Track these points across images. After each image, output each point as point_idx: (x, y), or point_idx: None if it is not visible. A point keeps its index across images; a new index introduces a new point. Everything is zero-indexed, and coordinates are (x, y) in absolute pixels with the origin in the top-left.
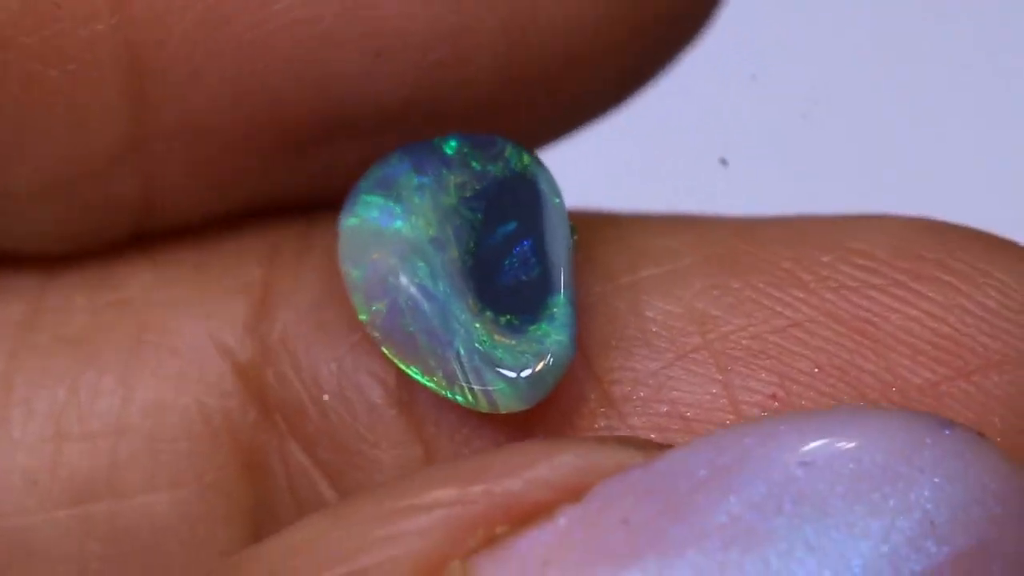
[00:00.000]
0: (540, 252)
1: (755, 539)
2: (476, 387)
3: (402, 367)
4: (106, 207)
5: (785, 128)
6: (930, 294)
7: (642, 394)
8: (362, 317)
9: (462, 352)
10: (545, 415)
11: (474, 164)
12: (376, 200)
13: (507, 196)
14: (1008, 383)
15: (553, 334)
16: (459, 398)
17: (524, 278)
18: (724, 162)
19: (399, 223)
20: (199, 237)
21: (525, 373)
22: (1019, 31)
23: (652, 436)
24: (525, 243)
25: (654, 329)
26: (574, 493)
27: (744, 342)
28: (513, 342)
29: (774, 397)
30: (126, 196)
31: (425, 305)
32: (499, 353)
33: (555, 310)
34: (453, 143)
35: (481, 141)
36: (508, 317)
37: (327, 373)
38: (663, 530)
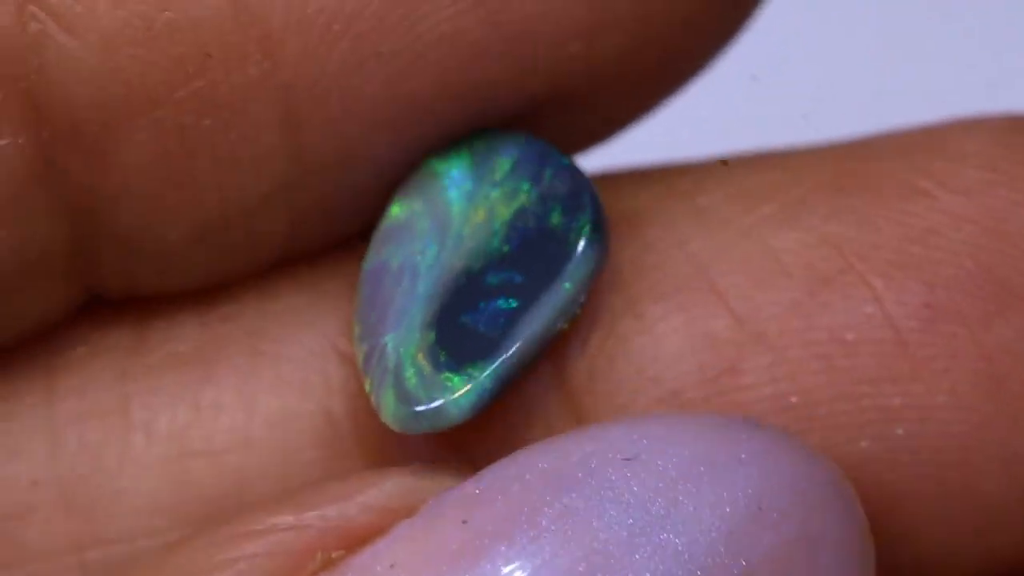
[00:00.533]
0: (513, 322)
1: (588, 530)
2: (374, 384)
3: (353, 318)
4: (255, 244)
5: (785, 128)
6: None
7: (796, 324)
8: (365, 263)
9: (389, 346)
10: (699, 361)
11: (531, 202)
12: (415, 202)
13: (538, 245)
14: None
15: (460, 396)
16: (365, 382)
17: (481, 331)
18: (724, 162)
19: (429, 221)
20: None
21: (416, 407)
22: (1021, 31)
23: (814, 365)
24: (509, 303)
25: (793, 261)
26: (408, 512)
27: (886, 257)
28: (427, 372)
29: (928, 305)
30: (276, 232)
31: (405, 280)
32: (409, 373)
33: (481, 376)
34: (527, 165)
35: (564, 180)
36: (444, 352)
37: None
38: (502, 526)
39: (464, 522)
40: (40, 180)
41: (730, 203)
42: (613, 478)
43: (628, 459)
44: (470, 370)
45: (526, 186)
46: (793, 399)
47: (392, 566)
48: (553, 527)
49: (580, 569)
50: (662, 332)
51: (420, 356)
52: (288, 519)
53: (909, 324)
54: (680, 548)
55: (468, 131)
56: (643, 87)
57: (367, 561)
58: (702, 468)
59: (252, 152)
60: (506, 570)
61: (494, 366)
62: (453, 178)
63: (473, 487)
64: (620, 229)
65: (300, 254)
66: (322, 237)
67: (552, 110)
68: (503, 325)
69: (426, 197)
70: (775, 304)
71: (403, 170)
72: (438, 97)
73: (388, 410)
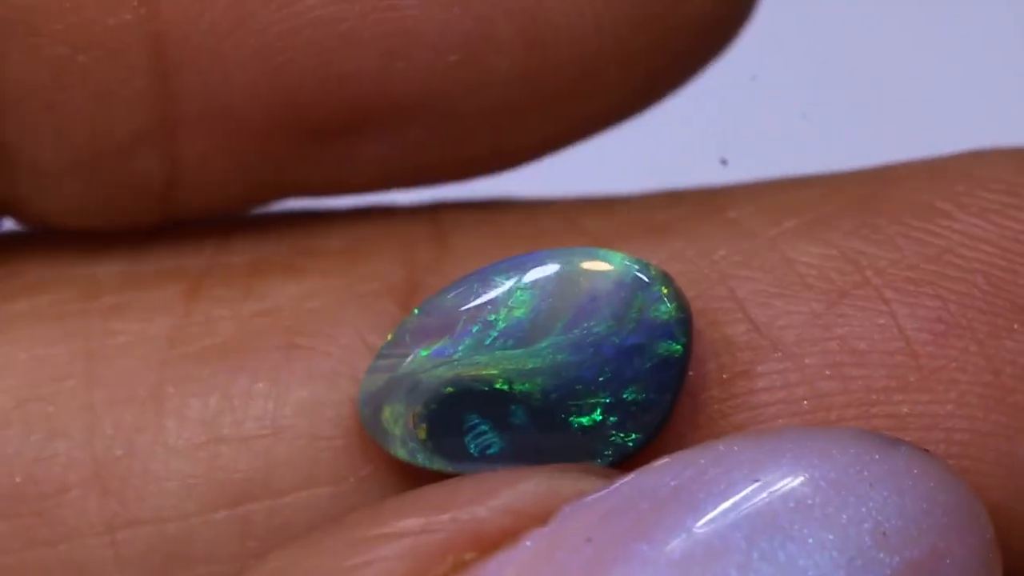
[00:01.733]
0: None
1: (714, 555)
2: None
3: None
4: (130, 185)
5: (785, 128)
6: None
7: (812, 334)
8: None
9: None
10: (723, 369)
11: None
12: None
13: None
14: None
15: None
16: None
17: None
18: (724, 162)
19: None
20: (338, 254)
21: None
22: (1021, 31)
23: (827, 372)
24: (490, 438)
25: (812, 273)
26: (539, 518)
27: (902, 273)
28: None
29: (939, 320)
30: (150, 175)
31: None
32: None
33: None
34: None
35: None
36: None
37: None
38: (626, 548)
39: (588, 540)
40: None
41: (757, 217)
42: (739, 503)
43: (759, 481)
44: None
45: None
46: (805, 403)
47: None
48: (674, 553)
49: None
50: None
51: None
52: (419, 522)
53: (921, 337)
54: (802, 573)
55: (345, 121)
56: (532, 117)
57: (492, 570)
58: (829, 492)
59: (122, 92)
60: None
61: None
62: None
63: (604, 500)
64: (650, 239)
65: (185, 209)
66: (210, 195)
67: (430, 115)
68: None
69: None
70: (793, 314)
71: (281, 145)
72: (310, 76)
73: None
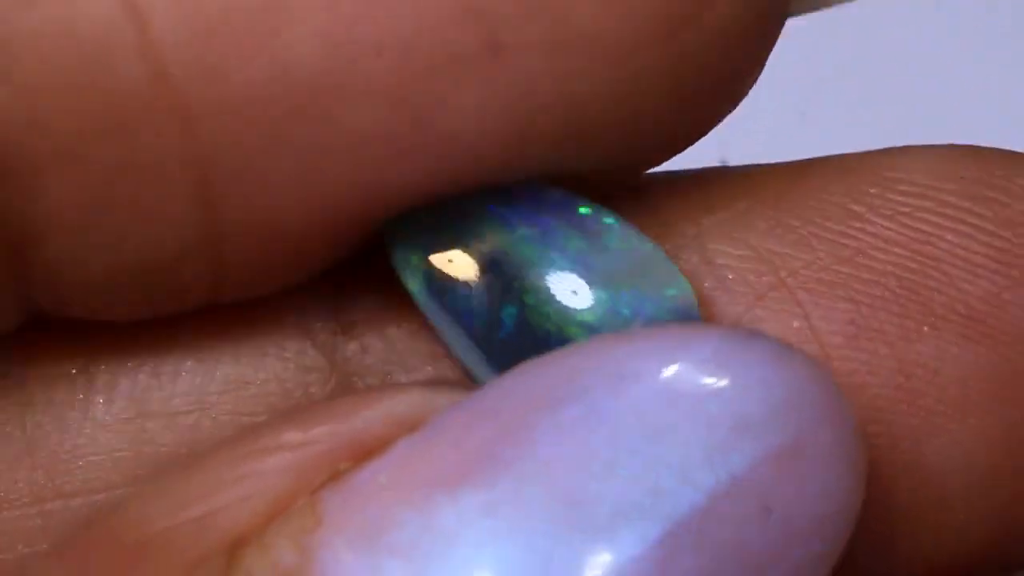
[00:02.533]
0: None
1: (578, 449)
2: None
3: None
4: (178, 289)
5: (785, 128)
6: (979, 210)
7: None
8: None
9: None
10: None
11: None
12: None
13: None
14: None
15: None
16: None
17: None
18: (724, 162)
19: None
20: None
21: None
22: (1021, 30)
23: None
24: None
25: (729, 276)
26: (412, 427)
27: (815, 275)
28: None
29: (851, 322)
30: (195, 283)
31: None
32: None
33: None
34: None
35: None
36: None
37: (409, 349)
38: (491, 450)
39: (455, 443)
40: None
41: (680, 214)
42: (603, 399)
43: (623, 377)
44: None
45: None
46: None
47: (385, 486)
48: (538, 452)
49: (560, 494)
50: None
51: None
52: (297, 435)
53: (833, 340)
54: (666, 464)
55: (386, 210)
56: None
57: (365, 477)
58: (691, 385)
59: (168, 214)
60: (487, 496)
61: None
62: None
63: (470, 404)
64: None
65: (228, 302)
66: (249, 292)
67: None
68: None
69: None
70: (716, 318)
71: (327, 242)
72: (354, 188)
73: None
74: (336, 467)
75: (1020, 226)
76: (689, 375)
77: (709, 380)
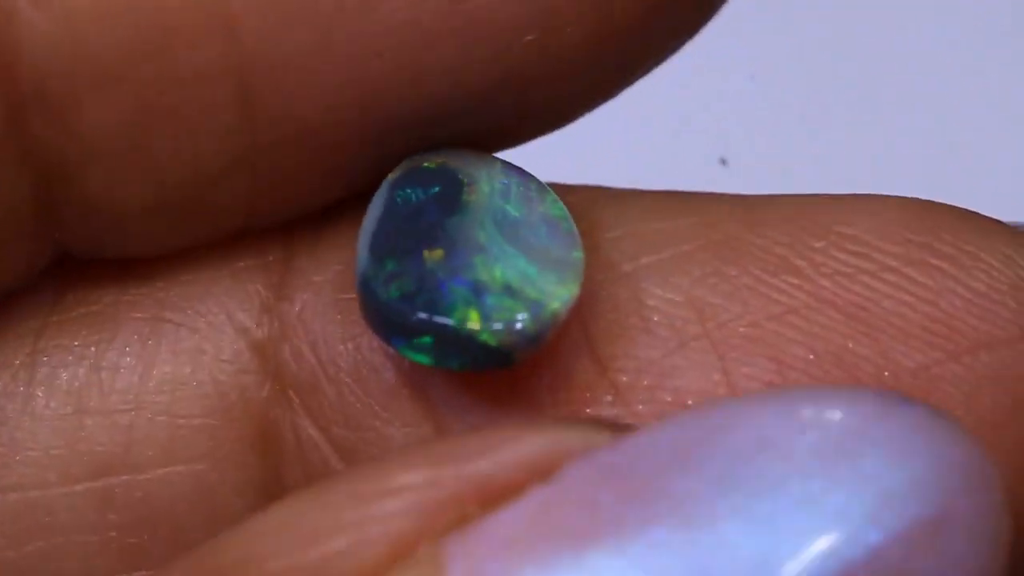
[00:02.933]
0: None
1: (714, 515)
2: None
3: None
4: (213, 215)
5: (785, 128)
6: (920, 278)
7: (646, 383)
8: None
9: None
10: (555, 399)
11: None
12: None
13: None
14: (997, 362)
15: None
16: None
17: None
18: (724, 162)
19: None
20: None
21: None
22: (1021, 30)
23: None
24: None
25: (655, 318)
26: (543, 473)
27: (742, 330)
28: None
29: (771, 383)
30: (232, 204)
31: None
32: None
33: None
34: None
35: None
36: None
37: (343, 352)
38: (623, 510)
39: (590, 500)
40: (8, 137)
41: (619, 245)
42: (742, 464)
43: (763, 440)
44: None
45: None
46: None
47: (513, 540)
48: (676, 516)
49: (693, 565)
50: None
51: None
52: (423, 476)
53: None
54: (811, 541)
55: (418, 119)
56: (600, 77)
57: (493, 527)
58: (832, 454)
59: (209, 127)
60: (616, 562)
61: None
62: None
63: (606, 460)
64: None
65: (258, 226)
66: (281, 212)
67: (506, 95)
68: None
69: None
70: (631, 358)
71: (362, 148)
72: (393, 81)
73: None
74: (462, 511)
75: (959, 297)
76: (832, 442)
77: (853, 448)
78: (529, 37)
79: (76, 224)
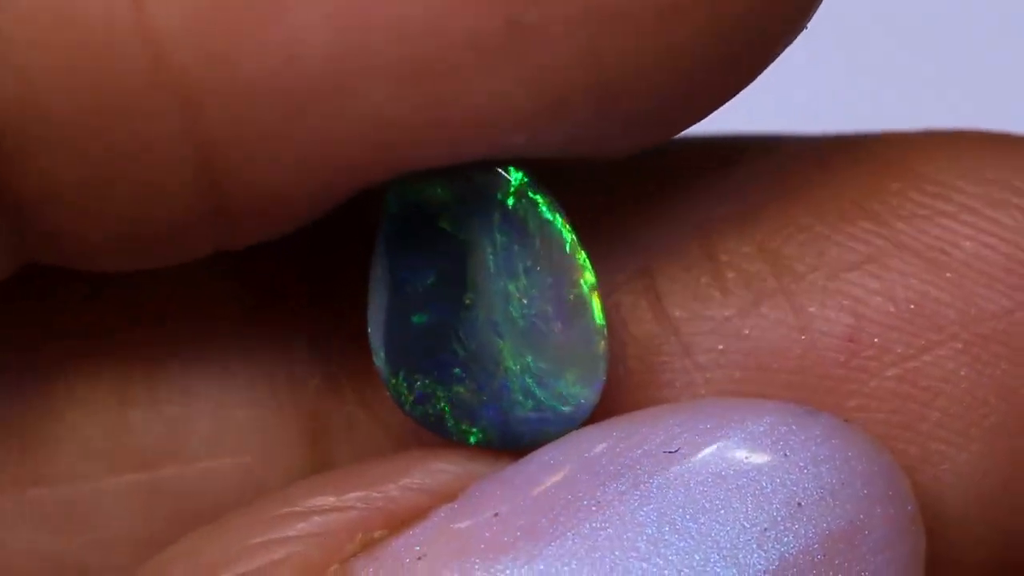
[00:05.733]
0: None
1: (622, 526)
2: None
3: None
4: (179, 252)
5: (784, 128)
6: (1002, 219)
7: (720, 346)
8: None
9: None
10: (630, 367)
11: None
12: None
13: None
14: None
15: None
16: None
17: None
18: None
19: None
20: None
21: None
22: (1020, 31)
23: (730, 388)
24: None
25: (729, 274)
26: (449, 496)
27: (820, 283)
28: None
29: (851, 339)
30: (198, 245)
31: None
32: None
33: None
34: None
35: None
36: None
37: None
38: (533, 523)
39: (496, 515)
40: None
41: (687, 194)
42: (649, 475)
43: (670, 452)
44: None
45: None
46: None
47: (421, 557)
48: (581, 526)
49: (603, 572)
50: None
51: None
52: (329, 500)
53: (832, 356)
54: (714, 543)
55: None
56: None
57: (400, 547)
58: (743, 465)
59: (170, 192)
60: (527, 571)
61: None
62: None
63: (511, 475)
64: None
65: (238, 245)
66: (250, 243)
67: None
68: None
69: None
70: (707, 320)
71: (337, 206)
72: (364, 167)
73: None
74: (369, 534)
75: None
76: (740, 451)
77: (761, 457)
78: (517, 138)
79: (43, 247)
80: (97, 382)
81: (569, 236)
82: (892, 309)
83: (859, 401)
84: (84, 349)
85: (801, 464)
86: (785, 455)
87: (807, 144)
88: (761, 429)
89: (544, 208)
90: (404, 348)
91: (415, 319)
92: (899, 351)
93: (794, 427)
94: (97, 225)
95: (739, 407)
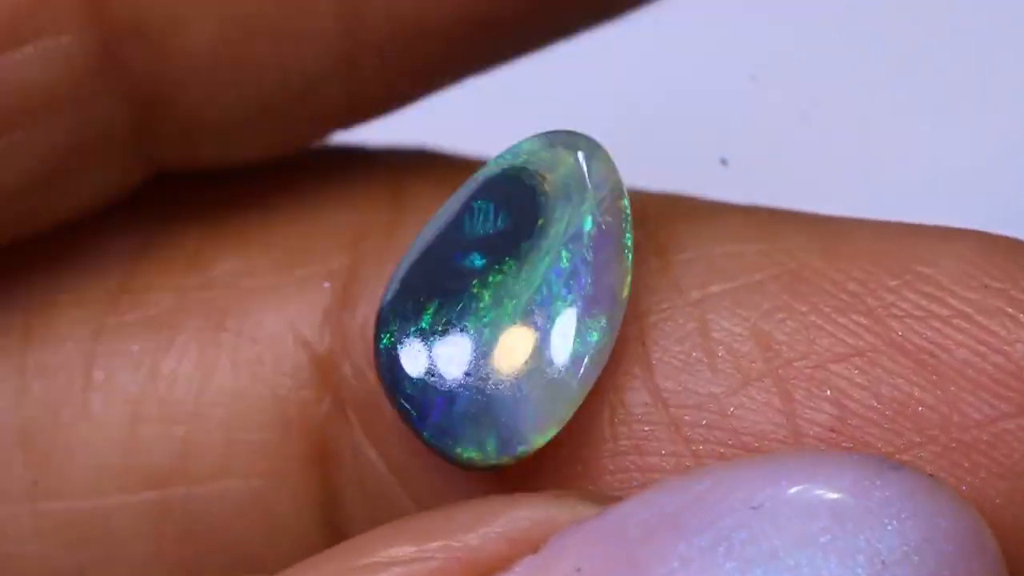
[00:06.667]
0: None
1: None
2: None
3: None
4: (315, 116)
5: (785, 128)
6: (994, 328)
7: (704, 421)
8: None
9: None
10: (614, 432)
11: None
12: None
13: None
14: None
15: None
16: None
17: None
18: (724, 162)
19: None
20: (290, 219)
21: None
22: (1020, 31)
23: (712, 461)
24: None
25: (720, 352)
26: (531, 546)
27: (807, 371)
28: None
29: (833, 430)
30: (335, 104)
31: None
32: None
33: None
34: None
35: None
36: None
37: None
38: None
39: (578, 570)
40: (102, 72)
41: (693, 269)
42: (732, 530)
43: (753, 508)
44: None
45: None
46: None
47: None
48: None
49: None
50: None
51: None
52: (411, 550)
53: (813, 444)
54: None
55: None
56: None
57: None
58: (826, 521)
59: (310, 32)
60: None
61: None
62: None
63: (593, 528)
64: None
65: (359, 123)
66: (383, 108)
67: None
68: None
69: None
70: (695, 394)
71: (456, 47)
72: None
73: None
74: None
75: None
76: (823, 508)
77: (844, 514)
78: None
79: (175, 139)
80: (109, 397)
81: (629, 276)
82: (876, 404)
83: None
84: (97, 359)
85: (884, 520)
86: (869, 511)
87: (813, 226)
88: (844, 484)
89: (629, 238)
90: (427, 274)
91: (458, 258)
92: (879, 447)
93: (878, 482)
94: (234, 97)
95: (822, 461)
